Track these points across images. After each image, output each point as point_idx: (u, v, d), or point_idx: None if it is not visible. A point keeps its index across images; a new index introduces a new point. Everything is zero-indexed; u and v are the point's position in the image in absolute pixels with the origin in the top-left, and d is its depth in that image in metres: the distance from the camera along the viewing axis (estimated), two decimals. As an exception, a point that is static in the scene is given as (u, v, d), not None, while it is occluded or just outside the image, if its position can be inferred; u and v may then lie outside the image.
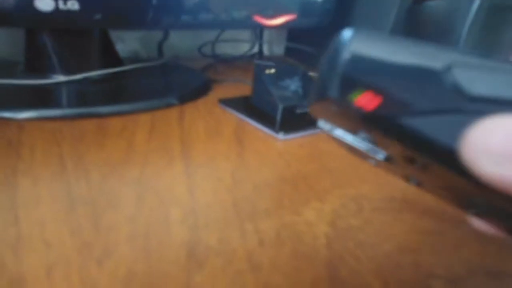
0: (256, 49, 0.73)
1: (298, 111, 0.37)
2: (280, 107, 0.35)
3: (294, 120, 0.36)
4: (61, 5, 0.34)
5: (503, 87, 0.11)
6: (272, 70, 0.38)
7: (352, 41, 0.13)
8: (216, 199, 0.24)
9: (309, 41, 0.60)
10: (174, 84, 0.46)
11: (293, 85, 0.37)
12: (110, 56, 0.47)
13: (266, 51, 0.75)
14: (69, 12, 0.34)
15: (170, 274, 0.18)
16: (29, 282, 0.16)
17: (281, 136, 0.34)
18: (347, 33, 0.14)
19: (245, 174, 0.27)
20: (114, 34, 0.48)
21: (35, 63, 0.43)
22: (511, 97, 0.11)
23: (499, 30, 0.37)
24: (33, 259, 0.18)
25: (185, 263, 0.18)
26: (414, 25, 0.42)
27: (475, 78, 0.12)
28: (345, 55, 0.13)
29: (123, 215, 0.21)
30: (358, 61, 0.13)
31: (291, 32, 0.71)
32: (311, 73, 0.41)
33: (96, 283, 0.17)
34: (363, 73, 0.13)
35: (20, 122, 0.33)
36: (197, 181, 0.26)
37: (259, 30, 0.69)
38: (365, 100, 0.13)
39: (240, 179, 0.27)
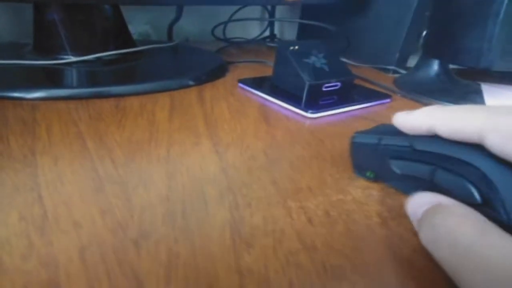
0: (267, 33, 0.70)
1: (325, 89, 0.35)
2: (307, 84, 0.33)
3: (322, 98, 0.34)
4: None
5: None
6: (296, 47, 0.36)
7: None
8: (252, 178, 0.22)
9: (327, 19, 0.58)
10: (189, 66, 0.44)
11: (318, 62, 0.35)
12: (122, 36, 0.44)
13: (277, 34, 0.73)
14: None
15: (216, 255, 0.16)
16: (61, 264, 0.15)
17: (310, 114, 0.32)
18: None
19: (279, 152, 0.25)
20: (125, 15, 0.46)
21: (44, 43, 0.41)
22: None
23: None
24: (63, 240, 0.16)
25: (230, 243, 0.16)
26: (438, 10, 0.40)
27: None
28: None
29: (156, 194, 0.20)
30: None
31: (304, 10, 0.69)
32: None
33: (135, 266, 0.15)
34: None
35: (33, 102, 0.31)
36: (228, 160, 0.24)
37: (271, 9, 0.66)
38: None
39: (274, 157, 0.25)
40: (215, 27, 0.59)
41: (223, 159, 0.24)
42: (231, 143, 0.26)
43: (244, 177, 0.22)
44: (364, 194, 0.21)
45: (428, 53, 0.43)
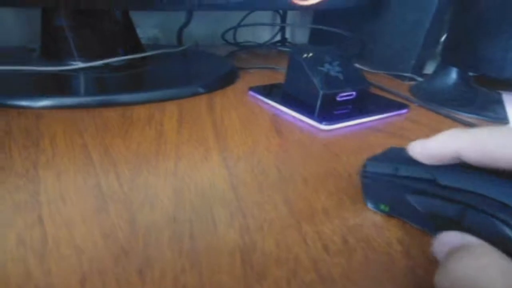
0: (278, 37, 0.69)
1: (339, 98, 0.33)
2: (321, 94, 0.32)
3: (336, 108, 0.33)
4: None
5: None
6: (310, 54, 0.34)
7: None
8: (264, 196, 0.21)
9: (340, 23, 0.56)
10: (199, 72, 0.43)
11: (333, 70, 0.34)
12: (131, 42, 0.44)
13: (289, 38, 0.71)
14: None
15: (226, 286, 0.15)
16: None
17: (324, 126, 0.30)
18: None
19: (292, 168, 0.24)
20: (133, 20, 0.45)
21: (52, 48, 0.40)
22: None
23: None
24: (63, 269, 0.15)
25: (241, 272, 0.15)
26: (465, 3, 0.38)
27: None
28: None
29: (162, 214, 0.19)
30: None
31: (316, 13, 0.67)
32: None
33: (139, 298, 0.14)
34: None
35: (38, 111, 0.31)
36: (239, 176, 0.23)
37: (283, 13, 0.65)
38: None
39: (287, 173, 0.23)
40: (225, 32, 0.58)
41: (233, 175, 0.23)
42: (241, 156, 0.25)
43: (255, 195, 0.21)
44: (383, 218, 0.20)
45: (447, 60, 0.41)
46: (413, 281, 0.16)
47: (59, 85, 0.36)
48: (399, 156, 0.19)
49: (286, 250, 0.17)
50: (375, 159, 0.20)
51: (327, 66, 0.34)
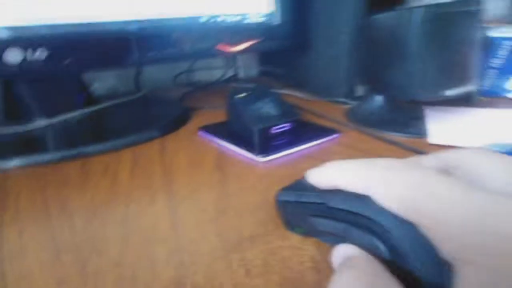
0: (231, 73, 0.74)
1: (274, 131, 0.38)
2: (255, 130, 0.36)
3: (272, 140, 0.37)
4: (29, 56, 0.34)
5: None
6: (243, 94, 0.39)
7: None
8: (200, 232, 0.24)
9: (280, 61, 0.63)
10: (153, 117, 0.46)
11: (265, 106, 0.38)
12: (87, 96, 0.47)
13: (241, 74, 0.76)
14: (37, 62, 0.35)
15: (159, 316, 0.18)
16: None
17: (260, 158, 0.34)
18: None
19: (228, 202, 0.28)
20: (89, 74, 0.48)
21: (14, 111, 0.43)
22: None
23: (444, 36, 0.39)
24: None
25: (173, 302, 0.19)
26: (369, 39, 0.44)
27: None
28: None
29: (109, 259, 0.22)
30: None
31: (261, 54, 0.73)
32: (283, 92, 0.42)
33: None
34: None
35: (5, 171, 0.33)
36: (180, 215, 0.26)
37: (232, 55, 0.70)
38: None
39: (223, 208, 0.27)
40: (177, 76, 0.62)
41: (175, 215, 0.26)
42: (184, 197, 0.29)
43: (193, 232, 0.24)
44: (301, 239, 0.23)
45: (370, 88, 0.47)
46: (315, 291, 0.19)
47: (26, 143, 0.39)
48: (303, 185, 0.22)
49: (212, 279, 0.20)
50: (285, 189, 0.24)
51: (259, 104, 0.38)
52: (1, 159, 0.34)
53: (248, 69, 0.77)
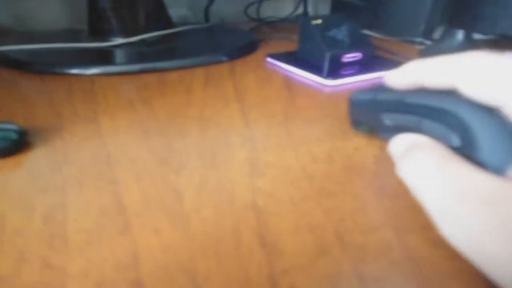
0: (300, 10, 0.73)
1: (345, 59, 0.38)
2: (327, 55, 0.36)
3: (342, 68, 0.37)
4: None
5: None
6: (319, 21, 0.39)
7: None
8: (271, 131, 0.26)
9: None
10: (223, 44, 0.48)
11: (340, 34, 0.38)
12: (163, 20, 0.50)
13: (311, 11, 0.75)
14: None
15: (236, 180, 0.20)
16: (121, 183, 0.20)
17: (328, 81, 0.35)
18: None
19: (296, 112, 0.29)
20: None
21: (97, 27, 0.47)
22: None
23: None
24: (123, 170, 0.21)
25: (248, 172, 0.21)
26: None
27: None
28: None
29: (191, 141, 0.24)
30: None
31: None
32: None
33: (175, 187, 0.20)
34: None
35: (91, 77, 0.37)
36: (252, 118, 0.28)
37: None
38: None
39: (291, 116, 0.28)
40: (247, 7, 0.62)
41: (247, 117, 0.28)
42: (255, 105, 0.30)
43: (264, 130, 0.26)
44: (366, 143, 0.24)
45: (452, 23, 0.44)
46: (378, 180, 0.20)
47: (104, 57, 0.42)
48: (379, 86, 0.23)
49: (283, 161, 0.22)
50: (360, 90, 0.24)
51: (334, 31, 0.38)
52: (83, 67, 0.38)
53: (320, 4, 0.75)
